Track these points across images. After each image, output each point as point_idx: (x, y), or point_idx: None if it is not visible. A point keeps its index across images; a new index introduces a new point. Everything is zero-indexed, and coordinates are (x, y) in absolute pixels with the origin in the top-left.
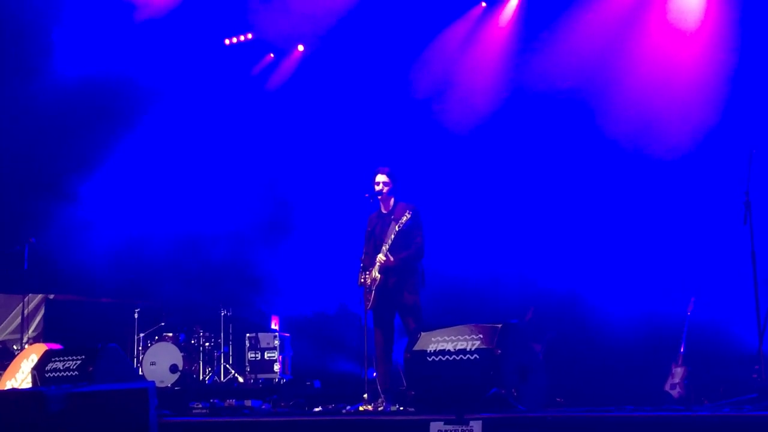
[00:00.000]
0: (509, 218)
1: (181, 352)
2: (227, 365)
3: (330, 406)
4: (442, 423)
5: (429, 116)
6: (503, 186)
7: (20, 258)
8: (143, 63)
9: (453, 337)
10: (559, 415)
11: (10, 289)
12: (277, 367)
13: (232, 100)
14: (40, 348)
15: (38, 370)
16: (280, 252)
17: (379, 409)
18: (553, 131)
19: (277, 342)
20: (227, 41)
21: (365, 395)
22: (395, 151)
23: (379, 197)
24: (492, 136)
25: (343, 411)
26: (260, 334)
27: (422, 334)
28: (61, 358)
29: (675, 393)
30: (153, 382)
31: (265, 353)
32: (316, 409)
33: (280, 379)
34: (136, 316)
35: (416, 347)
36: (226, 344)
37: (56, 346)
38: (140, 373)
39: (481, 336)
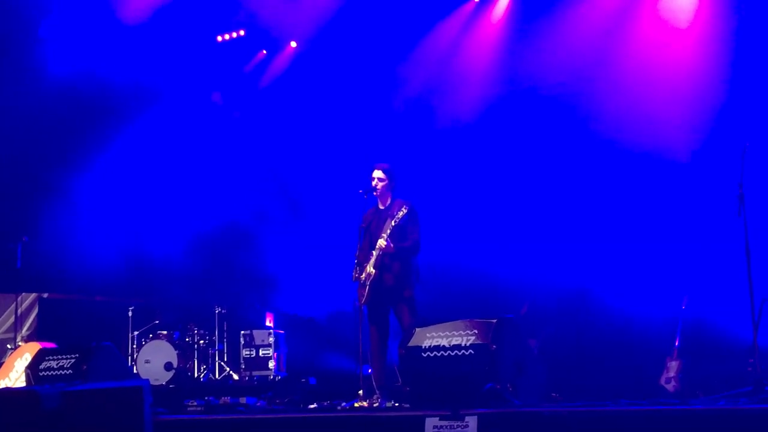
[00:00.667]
0: (503, 213)
1: (175, 349)
2: (222, 363)
3: (325, 403)
4: (438, 419)
5: (425, 112)
6: (496, 181)
7: (13, 256)
8: (137, 61)
9: (448, 333)
10: (554, 410)
11: (3, 288)
12: (272, 364)
13: (226, 97)
14: (34, 347)
15: (32, 368)
16: (274, 249)
17: (375, 405)
18: (547, 127)
19: (271, 339)
20: (219, 38)
21: (360, 392)
22: (390, 148)
23: (375, 193)
24: (487, 131)
25: (339, 408)
26: (255, 331)
27: (417, 329)
28: (55, 357)
29: (670, 387)
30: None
31: (260, 350)
32: (312, 406)
33: (275, 376)
34: (130, 314)
35: (411, 343)
36: (221, 342)
37: (50, 345)
38: (135, 371)
39: (476, 331)
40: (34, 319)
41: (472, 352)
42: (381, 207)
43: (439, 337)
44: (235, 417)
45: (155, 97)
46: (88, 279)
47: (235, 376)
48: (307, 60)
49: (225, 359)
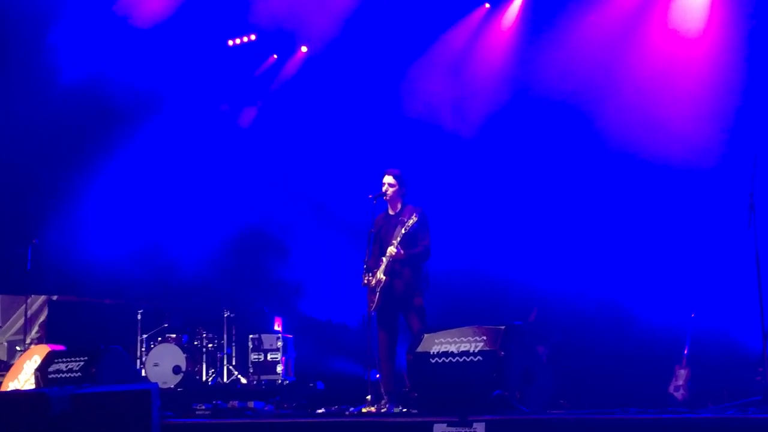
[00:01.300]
0: (512, 220)
1: (184, 353)
2: (230, 366)
3: (333, 408)
4: (446, 425)
5: (436, 117)
6: (507, 188)
7: (23, 259)
8: (148, 65)
9: (456, 339)
10: (562, 417)
11: (13, 290)
12: (280, 368)
13: (236, 101)
14: (43, 349)
15: (41, 371)
16: (283, 253)
17: (383, 410)
18: (556, 134)
19: (280, 343)
20: (230, 42)
21: (368, 397)
22: (400, 153)
23: (385, 198)
24: (497, 138)
25: (346, 412)
26: (263, 336)
27: (425, 335)
28: (64, 360)
29: (679, 395)
30: (156, 383)
31: (268, 354)
32: (319, 411)
33: (283, 381)
34: (139, 317)
35: (419, 349)
36: (229, 345)
37: (59, 348)
38: (143, 374)
39: (485, 338)
40: (43, 322)
41: (481, 358)
42: (391, 212)
43: (448, 343)
44: (242, 421)
45: (166, 101)
46: (98, 282)
47: (243, 380)
48: (317, 65)
49: (233, 363)
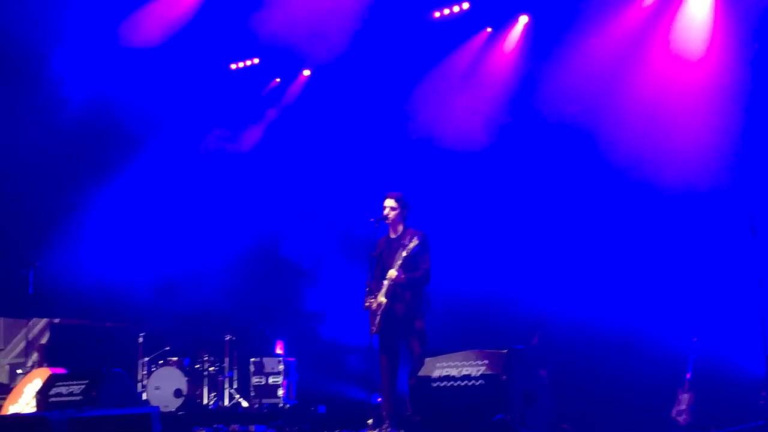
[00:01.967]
0: (514, 243)
1: (185, 376)
2: (232, 390)
3: None
4: None
5: (438, 140)
6: (509, 210)
7: (25, 282)
8: (150, 87)
9: (458, 363)
10: None
11: (14, 313)
12: (281, 392)
13: (240, 123)
14: (44, 372)
15: (42, 394)
16: (285, 276)
17: None
18: (557, 156)
19: (281, 367)
20: (233, 66)
21: (370, 420)
22: (401, 176)
23: (387, 221)
24: (499, 160)
25: None
26: (265, 359)
27: (427, 359)
28: (65, 383)
29: (681, 419)
30: (157, 406)
31: (270, 378)
32: None
33: (284, 404)
34: (140, 340)
35: (421, 373)
36: (231, 369)
37: (60, 371)
38: (144, 397)
39: (487, 362)
40: (44, 345)
41: (483, 382)
42: (392, 236)
43: (450, 367)
44: None
45: (168, 124)
46: (99, 305)
47: (245, 404)
48: (320, 87)
49: (235, 386)
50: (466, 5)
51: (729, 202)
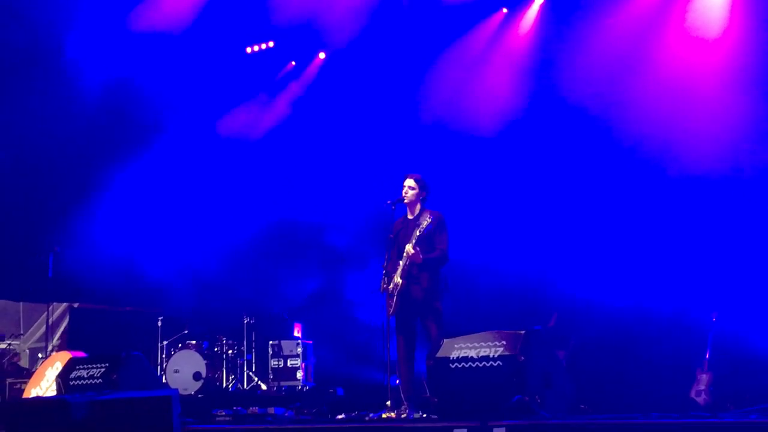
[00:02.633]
0: (533, 225)
1: (204, 359)
2: (250, 373)
3: (353, 414)
4: (466, 430)
5: (454, 122)
6: (527, 192)
7: (45, 267)
8: (168, 71)
9: (476, 344)
10: (582, 422)
11: (35, 297)
12: (299, 374)
13: (255, 107)
14: (65, 356)
15: (62, 377)
16: (303, 259)
17: (402, 416)
18: (574, 137)
19: (299, 349)
20: (249, 49)
21: (388, 402)
22: (419, 158)
23: (404, 201)
24: (516, 142)
25: (366, 418)
26: (283, 342)
27: (445, 340)
28: (86, 366)
29: (701, 399)
30: (176, 389)
31: (288, 360)
32: (339, 417)
33: (303, 387)
34: (159, 324)
35: (439, 354)
36: (249, 352)
37: (80, 354)
38: (164, 380)
39: (505, 343)
40: (65, 329)
41: (501, 363)
42: (410, 216)
43: (468, 349)
44: (263, 427)
45: (186, 109)
46: (118, 289)
47: (264, 386)
48: (336, 70)
49: (253, 369)
50: None
51: (749, 183)
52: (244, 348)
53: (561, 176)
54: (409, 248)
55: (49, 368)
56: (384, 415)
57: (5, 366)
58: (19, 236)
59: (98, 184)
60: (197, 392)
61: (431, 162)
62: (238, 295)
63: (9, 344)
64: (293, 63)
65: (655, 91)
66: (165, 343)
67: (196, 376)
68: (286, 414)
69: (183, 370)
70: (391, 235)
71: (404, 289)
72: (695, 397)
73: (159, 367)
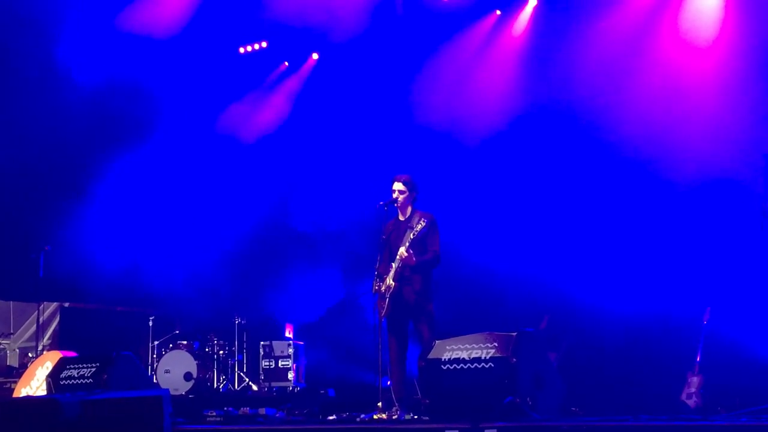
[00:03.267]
0: (524, 227)
1: (195, 360)
2: (241, 373)
3: (344, 415)
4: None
5: (446, 125)
6: (517, 194)
7: (35, 266)
8: (160, 70)
9: (468, 346)
10: (574, 424)
11: (25, 296)
12: (291, 375)
13: (248, 108)
14: (55, 355)
15: (53, 377)
16: (294, 260)
17: (394, 417)
18: (565, 140)
19: (291, 350)
20: (242, 49)
21: (379, 404)
22: (411, 160)
23: (396, 205)
24: (507, 144)
25: (357, 420)
26: (274, 342)
27: (437, 342)
28: (76, 366)
29: (691, 402)
30: (167, 389)
31: (279, 361)
32: (330, 418)
33: (294, 388)
34: (150, 324)
35: (431, 355)
36: (240, 352)
37: (71, 354)
38: (154, 380)
39: (496, 344)
40: (55, 328)
41: (492, 365)
42: (401, 218)
43: (459, 350)
44: (253, 428)
45: (177, 109)
46: (109, 289)
47: (255, 387)
48: (329, 71)
49: (244, 370)
50: None
51: (740, 187)
52: (236, 348)
53: (553, 179)
54: (402, 251)
55: (40, 368)
56: (375, 417)
57: None
58: (10, 235)
59: (89, 183)
60: (188, 392)
61: (425, 164)
62: (230, 296)
63: None
64: (286, 63)
65: (650, 94)
66: (156, 343)
67: (187, 376)
68: (277, 415)
69: (174, 370)
70: (383, 237)
71: (397, 292)
72: (686, 400)
73: (150, 367)
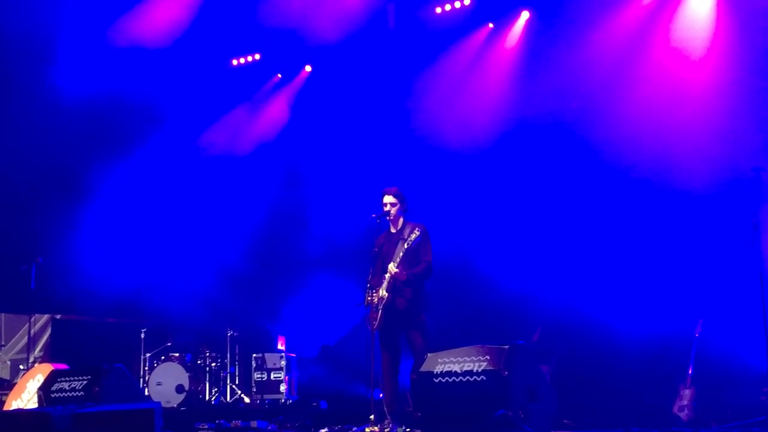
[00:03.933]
0: (516, 239)
1: (187, 372)
2: (233, 386)
3: (336, 428)
4: None
5: (439, 136)
6: (507, 207)
7: (27, 278)
8: (152, 83)
9: (460, 359)
10: None
11: (16, 308)
12: (283, 387)
13: (240, 119)
14: (47, 368)
15: (44, 390)
16: (286, 272)
17: (386, 430)
18: (559, 153)
19: (283, 362)
20: (235, 62)
21: (372, 416)
22: (404, 171)
23: (388, 218)
24: (500, 155)
25: None
26: (266, 355)
27: (429, 355)
28: (67, 378)
29: (683, 415)
30: (159, 402)
31: (272, 374)
32: (323, 430)
33: (286, 400)
34: (142, 336)
35: (423, 368)
36: (233, 364)
37: (62, 366)
38: (146, 393)
39: (488, 357)
40: (47, 340)
41: (484, 378)
42: (393, 230)
43: (451, 363)
44: None
45: (169, 121)
46: (101, 301)
47: (247, 399)
48: (322, 83)
49: (236, 382)
50: (468, 0)
51: (731, 199)
52: (228, 361)
53: (545, 191)
54: (392, 267)
55: (31, 380)
56: (367, 429)
57: None
58: (1, 247)
59: (82, 195)
60: (180, 405)
61: (419, 176)
62: (222, 308)
63: None
64: (279, 75)
65: (641, 107)
66: (148, 355)
67: (179, 388)
68: (269, 427)
69: (166, 382)
70: (375, 249)
71: (389, 303)
72: (678, 413)
73: (142, 379)
